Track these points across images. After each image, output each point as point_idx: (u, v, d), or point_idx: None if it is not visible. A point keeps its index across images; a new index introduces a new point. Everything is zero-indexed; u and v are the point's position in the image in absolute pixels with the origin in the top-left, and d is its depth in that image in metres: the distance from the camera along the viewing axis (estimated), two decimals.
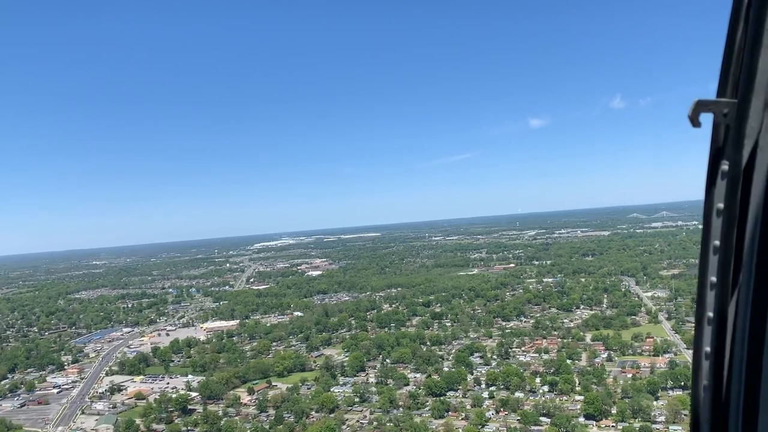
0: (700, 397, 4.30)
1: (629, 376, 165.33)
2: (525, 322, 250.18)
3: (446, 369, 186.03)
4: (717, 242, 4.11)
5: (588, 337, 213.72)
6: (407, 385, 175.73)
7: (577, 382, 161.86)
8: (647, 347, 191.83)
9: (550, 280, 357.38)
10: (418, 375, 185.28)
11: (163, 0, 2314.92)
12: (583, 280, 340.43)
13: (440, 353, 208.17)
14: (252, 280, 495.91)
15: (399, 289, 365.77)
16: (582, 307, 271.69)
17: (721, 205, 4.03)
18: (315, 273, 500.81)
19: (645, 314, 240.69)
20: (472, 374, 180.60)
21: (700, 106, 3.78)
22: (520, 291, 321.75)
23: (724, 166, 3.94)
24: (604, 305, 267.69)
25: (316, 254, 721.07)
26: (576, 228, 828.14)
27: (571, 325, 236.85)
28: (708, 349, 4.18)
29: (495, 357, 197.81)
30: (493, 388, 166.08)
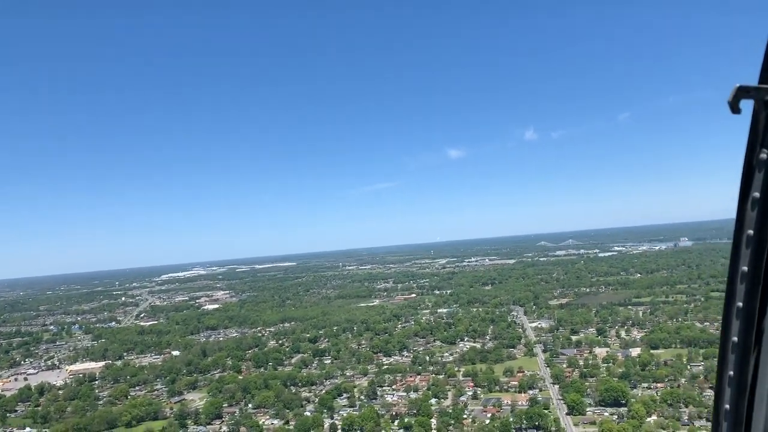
0: (721, 423, 4.16)
1: (488, 415, 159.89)
2: (405, 357, 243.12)
3: (308, 413, 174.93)
4: (750, 232, 3.93)
5: (462, 372, 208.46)
6: None
7: (434, 424, 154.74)
8: (515, 383, 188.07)
9: (444, 310, 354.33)
10: (276, 421, 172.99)
11: None
12: (474, 310, 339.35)
13: (308, 395, 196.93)
14: (143, 315, 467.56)
15: (292, 323, 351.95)
16: (466, 339, 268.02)
17: (757, 194, 3.87)
18: (212, 307, 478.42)
19: (523, 346, 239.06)
20: (331, 419, 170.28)
21: (741, 93, 3.59)
22: (412, 323, 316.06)
23: (763, 155, 3.78)
24: (488, 337, 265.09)
25: (221, 286, 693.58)
26: (485, 256, 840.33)
27: (450, 359, 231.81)
28: (731, 373, 4.05)
29: (362, 398, 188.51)
30: None
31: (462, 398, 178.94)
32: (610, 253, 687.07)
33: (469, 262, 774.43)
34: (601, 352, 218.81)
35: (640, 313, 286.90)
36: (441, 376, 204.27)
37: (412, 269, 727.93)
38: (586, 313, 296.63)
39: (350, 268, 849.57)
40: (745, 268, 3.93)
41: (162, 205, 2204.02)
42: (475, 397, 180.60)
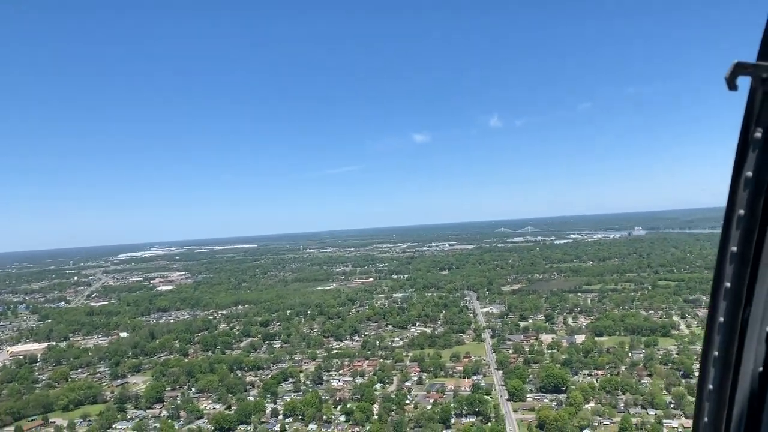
0: (704, 400, 4.18)
1: (431, 401, 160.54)
2: (356, 341, 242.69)
3: (251, 398, 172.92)
4: (742, 212, 3.90)
5: (410, 357, 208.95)
6: (200, 418, 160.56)
7: (376, 409, 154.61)
8: (461, 368, 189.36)
9: (399, 295, 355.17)
10: (218, 406, 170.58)
11: None
12: (429, 295, 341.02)
13: (254, 379, 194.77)
14: (94, 295, 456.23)
15: (246, 306, 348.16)
16: (418, 324, 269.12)
17: (750, 174, 3.84)
18: (166, 288, 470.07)
19: (473, 332, 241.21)
20: (275, 404, 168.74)
21: (739, 69, 3.53)
22: (366, 308, 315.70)
23: (757, 134, 3.74)
24: (439, 322, 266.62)
25: (177, 267, 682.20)
26: (446, 241, 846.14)
27: (400, 344, 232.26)
28: (716, 353, 4.05)
29: (308, 383, 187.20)
30: (289, 420, 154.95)
31: (407, 383, 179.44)
32: (565, 241, 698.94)
33: (429, 247, 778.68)
34: (547, 338, 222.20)
35: (589, 301, 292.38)
36: (389, 361, 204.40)
37: (373, 253, 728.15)
38: (536, 299, 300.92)
39: (311, 251, 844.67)
40: (735, 249, 3.86)
41: (121, 184, 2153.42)
42: (420, 382, 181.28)
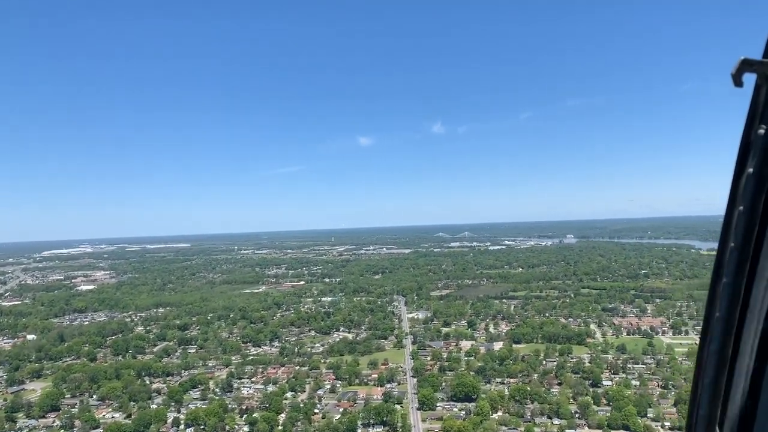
0: (699, 393, 4.21)
1: (341, 410, 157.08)
2: (275, 347, 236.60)
3: (155, 406, 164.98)
4: (742, 208, 3.91)
5: (326, 364, 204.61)
6: (96, 428, 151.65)
7: (282, 419, 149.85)
8: (377, 376, 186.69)
9: (327, 299, 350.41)
10: (117, 415, 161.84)
11: None
12: (357, 300, 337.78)
13: (161, 386, 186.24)
14: (7, 294, 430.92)
15: (167, 308, 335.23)
16: (341, 329, 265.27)
17: (751, 170, 3.84)
18: (87, 287, 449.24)
19: (395, 338, 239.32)
20: (178, 413, 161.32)
21: (745, 66, 3.53)
22: (291, 312, 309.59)
23: (760, 131, 3.75)
24: (363, 328, 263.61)
25: (104, 265, 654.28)
26: (384, 245, 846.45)
27: (320, 350, 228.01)
28: (713, 347, 4.03)
29: (217, 391, 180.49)
30: (190, 430, 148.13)
31: (319, 392, 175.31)
32: (499, 247, 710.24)
33: (367, 250, 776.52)
34: (466, 345, 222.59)
35: (512, 307, 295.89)
36: (305, 368, 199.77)
37: (309, 256, 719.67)
38: (462, 305, 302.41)
39: (246, 252, 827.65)
40: (734, 245, 3.85)
41: (51, 179, 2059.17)
42: (332, 390, 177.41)
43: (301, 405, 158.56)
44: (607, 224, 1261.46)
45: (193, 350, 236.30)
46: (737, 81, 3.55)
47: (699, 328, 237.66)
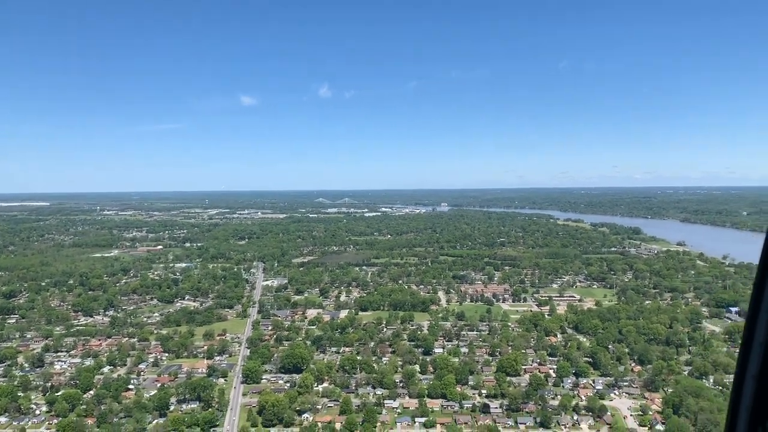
0: (743, 386, 4.09)
1: (158, 385, 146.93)
2: (107, 317, 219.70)
3: None
4: None
5: (156, 335, 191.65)
6: None
7: (89, 397, 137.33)
8: (207, 348, 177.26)
9: (182, 265, 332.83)
10: None
11: None
12: (213, 266, 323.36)
13: None
14: None
15: (1, 273, 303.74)
16: (187, 298, 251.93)
17: None
18: None
19: (241, 307, 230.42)
20: None
21: None
22: (137, 278, 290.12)
23: None
24: (211, 296, 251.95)
25: None
26: (260, 209, 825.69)
27: (157, 320, 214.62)
28: (759, 338, 3.92)
29: (25, 366, 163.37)
30: None
31: (141, 365, 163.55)
32: (375, 214, 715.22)
33: (240, 214, 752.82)
34: (313, 313, 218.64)
35: (370, 274, 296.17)
36: (133, 340, 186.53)
37: (177, 219, 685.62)
38: (320, 272, 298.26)
39: (108, 213, 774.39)
40: None
41: None
42: (156, 364, 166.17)
43: (116, 380, 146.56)
44: (481, 194, 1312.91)
45: (13, 321, 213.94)
46: None
47: (538, 295, 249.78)
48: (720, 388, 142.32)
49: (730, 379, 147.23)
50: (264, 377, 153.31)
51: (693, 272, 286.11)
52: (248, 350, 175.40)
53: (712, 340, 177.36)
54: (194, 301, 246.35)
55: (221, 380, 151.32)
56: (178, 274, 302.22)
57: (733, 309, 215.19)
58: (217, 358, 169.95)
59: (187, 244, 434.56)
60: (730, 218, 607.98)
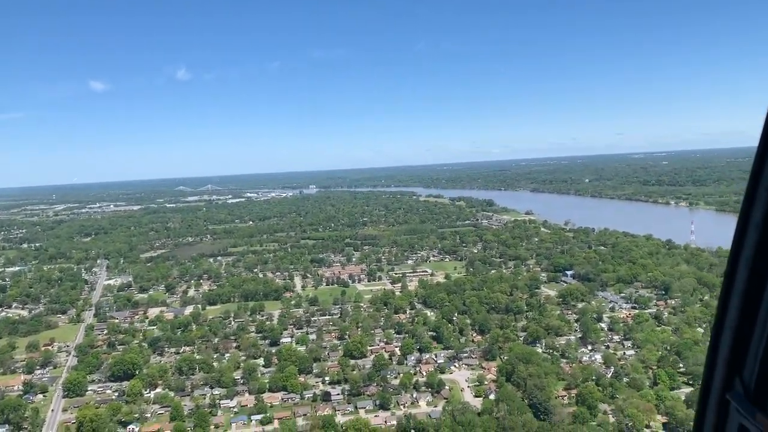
0: (720, 338, 4.01)
1: None
2: None
3: None
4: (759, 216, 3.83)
5: None
6: None
7: None
8: (36, 358, 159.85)
9: (13, 269, 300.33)
10: None
11: None
12: (48, 268, 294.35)
13: None
14: None
15: None
16: (14, 306, 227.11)
17: None
18: None
19: (75, 311, 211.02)
20: None
21: None
22: None
23: None
24: (43, 301, 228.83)
25: None
26: (113, 202, 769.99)
27: None
28: (738, 288, 3.83)
29: None
30: None
31: None
32: (239, 200, 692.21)
33: (91, 207, 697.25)
34: (155, 312, 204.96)
35: (223, 265, 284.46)
36: None
37: (17, 217, 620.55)
38: (169, 267, 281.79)
39: None
40: (759, 216, 3.78)
41: None
42: None
43: None
44: (350, 174, 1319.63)
45: None
46: None
47: (393, 273, 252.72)
48: (551, 351, 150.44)
49: (560, 342, 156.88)
50: (90, 388, 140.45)
51: (537, 239, 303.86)
52: (76, 358, 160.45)
53: (547, 304, 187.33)
54: (23, 309, 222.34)
55: (39, 396, 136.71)
56: (6, 279, 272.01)
57: (569, 272, 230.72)
58: (39, 371, 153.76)
59: (25, 245, 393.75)
60: (574, 186, 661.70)
